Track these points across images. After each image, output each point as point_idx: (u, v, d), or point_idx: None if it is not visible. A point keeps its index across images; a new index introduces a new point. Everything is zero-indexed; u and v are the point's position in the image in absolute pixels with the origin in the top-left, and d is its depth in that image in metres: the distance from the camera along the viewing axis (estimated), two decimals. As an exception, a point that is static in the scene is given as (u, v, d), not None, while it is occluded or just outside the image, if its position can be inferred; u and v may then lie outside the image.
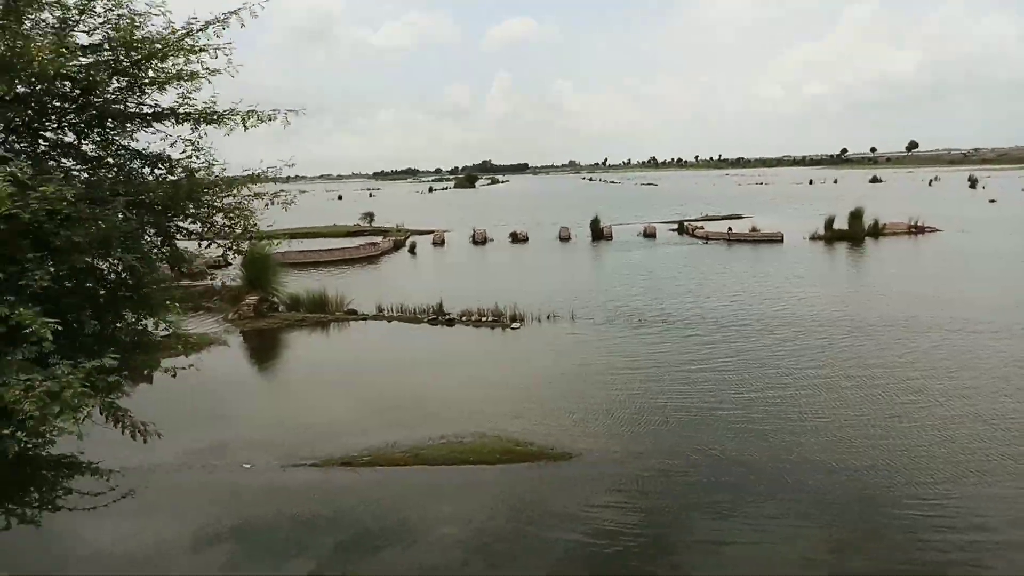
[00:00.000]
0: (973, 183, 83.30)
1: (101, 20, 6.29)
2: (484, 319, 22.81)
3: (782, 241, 40.37)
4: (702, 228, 46.29)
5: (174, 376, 6.46)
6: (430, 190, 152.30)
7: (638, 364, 17.38)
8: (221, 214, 6.91)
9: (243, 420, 14.71)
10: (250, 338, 22.31)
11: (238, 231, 6.96)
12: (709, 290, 26.79)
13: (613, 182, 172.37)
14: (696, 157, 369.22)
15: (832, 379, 15.76)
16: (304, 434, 13.48)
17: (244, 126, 6.78)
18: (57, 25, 6.17)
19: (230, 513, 10.71)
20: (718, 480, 11.08)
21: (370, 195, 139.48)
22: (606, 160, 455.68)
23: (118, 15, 6.26)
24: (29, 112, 6.17)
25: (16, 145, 6.21)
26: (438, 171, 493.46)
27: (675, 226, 49.94)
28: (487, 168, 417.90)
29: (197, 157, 6.85)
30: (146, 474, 11.01)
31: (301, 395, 16.61)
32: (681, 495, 10.76)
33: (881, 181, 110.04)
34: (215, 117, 6.73)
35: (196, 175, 6.78)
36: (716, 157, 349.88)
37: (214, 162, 6.92)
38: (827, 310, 22.52)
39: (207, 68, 6.51)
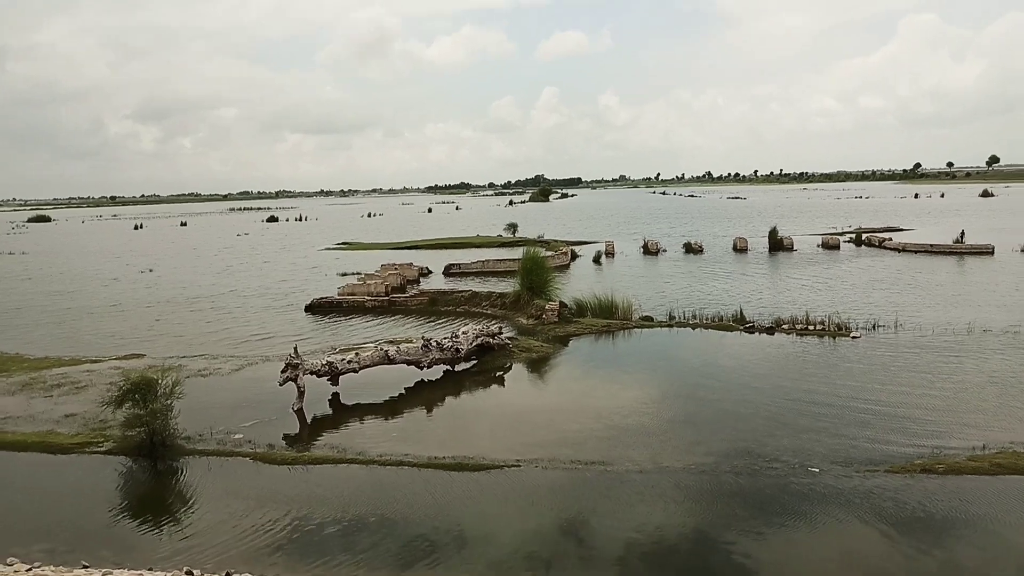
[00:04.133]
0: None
1: None
2: (809, 328, 22.14)
3: (992, 253, 38.96)
4: (890, 240, 45.02)
5: None
6: (510, 203, 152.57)
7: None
8: None
9: (741, 427, 14.14)
10: (583, 344, 21.96)
11: None
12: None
13: (692, 195, 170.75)
14: (755, 172, 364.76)
15: None
16: (827, 443, 12.95)
17: None
18: None
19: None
20: None
21: (456, 208, 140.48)
22: (659, 175, 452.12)
23: None
24: None
25: None
26: (491, 185, 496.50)
27: (847, 238, 48.74)
28: (540, 182, 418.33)
29: None
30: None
31: (775, 406, 15.89)
32: None
33: (993, 195, 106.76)
34: None
35: None
36: (777, 172, 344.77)
37: None
38: None
39: None
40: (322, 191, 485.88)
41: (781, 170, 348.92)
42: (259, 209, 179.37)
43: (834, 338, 21.27)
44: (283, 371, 16.07)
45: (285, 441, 14.49)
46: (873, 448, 12.56)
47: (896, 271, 34.81)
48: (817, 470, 11.70)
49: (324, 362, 16.81)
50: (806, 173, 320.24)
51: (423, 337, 18.83)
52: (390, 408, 16.65)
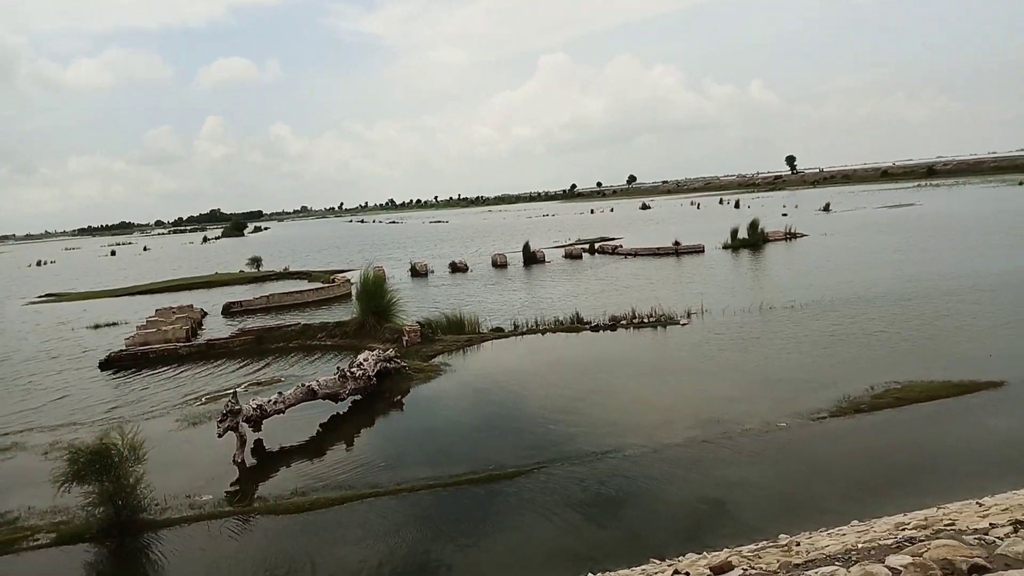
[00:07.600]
0: (737, 204, 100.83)
1: None
2: (643, 321, 25.24)
3: (703, 252, 47.23)
4: (620, 247, 51.85)
5: None
6: (204, 240, 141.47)
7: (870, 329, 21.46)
8: None
9: (664, 405, 16.00)
10: (459, 360, 22.31)
11: None
12: (765, 282, 31.87)
13: (394, 222, 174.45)
14: (435, 197, 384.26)
15: None
16: (761, 404, 15.51)
17: None
18: None
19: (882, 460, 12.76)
20: None
21: (145, 248, 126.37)
22: (342, 204, 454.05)
23: None
24: None
25: None
26: (159, 223, 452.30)
27: (582, 248, 54.94)
28: (217, 216, 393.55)
29: None
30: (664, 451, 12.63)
31: (663, 384, 17.81)
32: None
33: (650, 208, 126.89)
34: None
35: None
36: (456, 196, 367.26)
37: None
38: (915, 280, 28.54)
39: None
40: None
41: (459, 195, 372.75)
42: None
43: (665, 327, 24.61)
44: (221, 421, 14.29)
45: (238, 497, 13.02)
46: (817, 396, 15.41)
47: (649, 271, 40.55)
48: (784, 424, 14.14)
49: (254, 405, 15.23)
50: (481, 197, 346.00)
51: (338, 368, 17.89)
52: (317, 448, 15.63)
